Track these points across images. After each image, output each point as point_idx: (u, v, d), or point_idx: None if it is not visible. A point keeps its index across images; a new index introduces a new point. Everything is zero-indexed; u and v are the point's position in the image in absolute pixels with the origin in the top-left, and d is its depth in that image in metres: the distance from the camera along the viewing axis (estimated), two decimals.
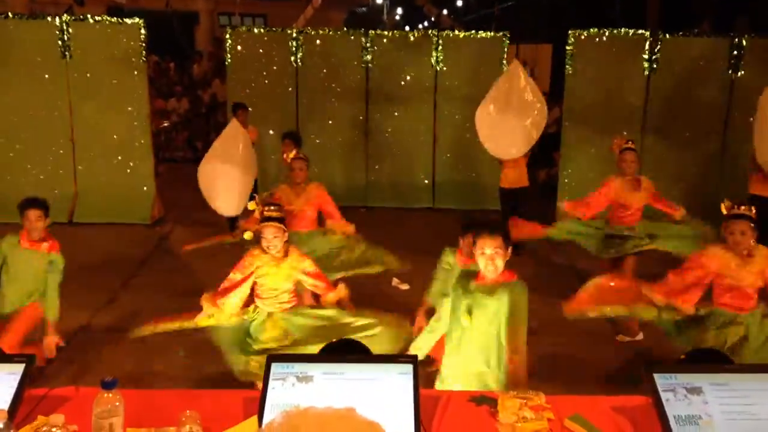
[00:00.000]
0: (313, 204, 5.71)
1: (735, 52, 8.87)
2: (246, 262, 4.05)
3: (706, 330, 4.14)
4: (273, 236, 3.96)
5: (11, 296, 4.64)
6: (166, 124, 13.12)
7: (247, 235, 4.09)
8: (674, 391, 2.27)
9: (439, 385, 3.37)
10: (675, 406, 2.24)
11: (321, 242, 5.66)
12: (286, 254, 4.04)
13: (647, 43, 8.92)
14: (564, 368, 5.18)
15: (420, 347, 3.55)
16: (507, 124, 7.08)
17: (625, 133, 6.23)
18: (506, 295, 3.15)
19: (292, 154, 5.81)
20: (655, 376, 2.31)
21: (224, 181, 6.94)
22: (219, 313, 3.96)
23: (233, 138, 7.20)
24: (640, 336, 5.68)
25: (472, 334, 3.23)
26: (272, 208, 4.06)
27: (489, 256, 3.15)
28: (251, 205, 4.06)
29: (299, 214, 5.65)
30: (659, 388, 2.28)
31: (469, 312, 3.20)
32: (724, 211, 4.18)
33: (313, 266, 4.17)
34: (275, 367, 2.37)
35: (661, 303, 4.21)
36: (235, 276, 4.04)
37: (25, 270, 4.63)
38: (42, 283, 4.64)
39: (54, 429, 1.96)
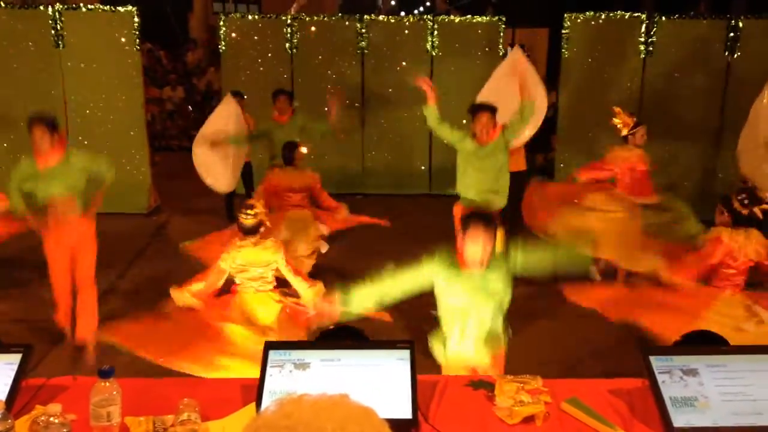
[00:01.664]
0: (308, 188, 5.88)
1: (731, 34, 8.84)
2: (219, 265, 4.09)
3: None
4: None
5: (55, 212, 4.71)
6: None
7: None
8: (670, 373, 2.28)
9: None
10: (671, 387, 2.25)
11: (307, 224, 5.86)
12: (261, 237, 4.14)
13: (643, 25, 8.88)
14: (561, 352, 5.20)
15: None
16: (509, 111, 7.13)
17: (618, 110, 6.25)
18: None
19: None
20: (651, 358, 2.32)
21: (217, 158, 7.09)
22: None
23: (225, 116, 7.31)
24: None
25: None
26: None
27: (482, 247, 3.20)
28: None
29: (296, 196, 5.78)
30: (655, 370, 2.29)
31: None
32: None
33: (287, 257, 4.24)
34: (273, 354, 2.37)
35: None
36: (212, 279, 4.07)
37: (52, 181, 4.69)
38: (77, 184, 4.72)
39: (52, 418, 1.96)
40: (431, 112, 5.65)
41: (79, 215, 4.75)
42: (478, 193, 5.69)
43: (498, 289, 3.32)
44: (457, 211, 5.71)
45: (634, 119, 6.13)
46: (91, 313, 4.68)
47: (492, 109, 5.57)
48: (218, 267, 4.10)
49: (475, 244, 3.20)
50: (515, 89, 7.21)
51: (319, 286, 4.15)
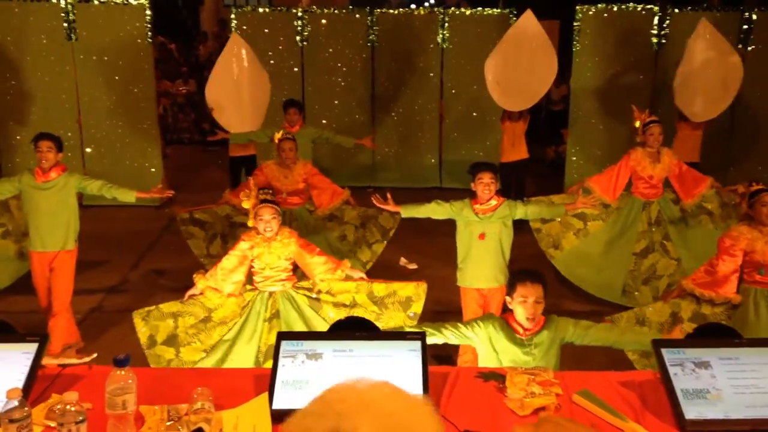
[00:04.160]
0: (302, 182, 5.88)
1: (745, 27, 8.76)
2: (241, 246, 4.08)
3: (747, 313, 4.22)
4: (271, 217, 4.00)
5: (40, 232, 4.86)
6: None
7: (245, 204, 4.11)
8: (682, 366, 2.28)
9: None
10: (683, 380, 2.25)
11: (310, 218, 5.92)
12: (276, 233, 4.08)
13: (656, 18, 8.83)
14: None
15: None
16: (516, 74, 7.13)
17: (637, 109, 6.22)
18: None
19: (279, 134, 5.89)
20: (663, 350, 2.32)
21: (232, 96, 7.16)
22: (213, 294, 4.00)
23: (236, 52, 7.30)
24: None
25: None
26: (267, 191, 4.14)
27: (531, 305, 3.04)
28: (244, 202, 4.08)
29: (288, 192, 5.79)
30: (667, 363, 2.29)
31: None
32: (741, 190, 4.30)
33: (302, 240, 4.21)
34: (285, 345, 2.39)
35: (705, 297, 4.28)
36: (228, 262, 4.05)
37: (45, 204, 4.85)
38: (66, 214, 4.90)
39: (68, 407, 1.99)
40: (412, 211, 4.86)
41: (61, 248, 4.91)
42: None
43: (541, 359, 3.12)
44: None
45: (650, 116, 5.94)
46: (59, 337, 4.76)
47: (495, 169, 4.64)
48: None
49: (524, 303, 3.07)
50: (526, 58, 7.20)
51: (342, 267, 4.16)
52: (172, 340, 3.92)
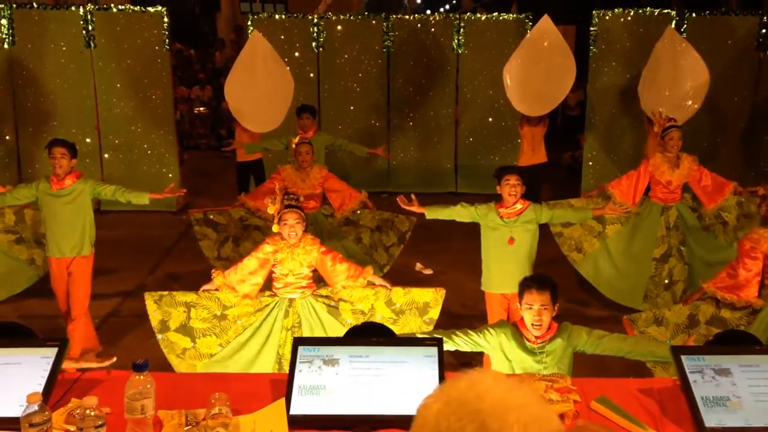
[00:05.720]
0: (318, 186, 5.90)
1: (763, 31, 8.69)
2: (264, 249, 4.08)
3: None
4: (295, 222, 4.00)
5: (57, 238, 4.92)
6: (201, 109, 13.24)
7: (270, 209, 4.10)
8: (702, 373, 2.26)
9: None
10: (703, 387, 2.23)
11: (326, 222, 5.92)
12: (300, 240, 4.06)
13: (673, 22, 8.77)
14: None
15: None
16: (536, 79, 7.13)
17: (661, 110, 6.16)
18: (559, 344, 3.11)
19: (296, 139, 5.92)
20: (683, 357, 2.30)
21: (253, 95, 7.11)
22: (229, 293, 4.02)
23: (255, 50, 7.30)
24: None
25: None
26: (292, 196, 4.12)
27: (536, 312, 3.04)
28: (269, 207, 4.08)
29: (305, 196, 5.81)
30: (687, 370, 2.27)
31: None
32: (762, 192, 4.26)
33: (325, 248, 4.18)
34: (302, 350, 2.40)
35: (726, 300, 4.24)
36: (249, 263, 4.06)
37: (61, 211, 4.89)
38: (82, 220, 4.94)
39: (87, 411, 2.00)
40: (436, 212, 4.86)
41: (77, 254, 4.97)
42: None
43: (553, 367, 3.11)
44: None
45: (670, 120, 5.88)
46: (78, 341, 4.80)
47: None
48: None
49: (530, 311, 3.06)
50: (545, 63, 7.20)
51: (366, 272, 4.14)
52: (187, 331, 3.95)
